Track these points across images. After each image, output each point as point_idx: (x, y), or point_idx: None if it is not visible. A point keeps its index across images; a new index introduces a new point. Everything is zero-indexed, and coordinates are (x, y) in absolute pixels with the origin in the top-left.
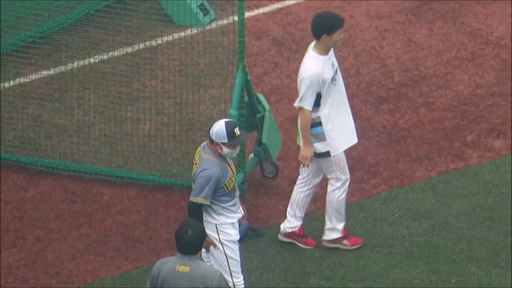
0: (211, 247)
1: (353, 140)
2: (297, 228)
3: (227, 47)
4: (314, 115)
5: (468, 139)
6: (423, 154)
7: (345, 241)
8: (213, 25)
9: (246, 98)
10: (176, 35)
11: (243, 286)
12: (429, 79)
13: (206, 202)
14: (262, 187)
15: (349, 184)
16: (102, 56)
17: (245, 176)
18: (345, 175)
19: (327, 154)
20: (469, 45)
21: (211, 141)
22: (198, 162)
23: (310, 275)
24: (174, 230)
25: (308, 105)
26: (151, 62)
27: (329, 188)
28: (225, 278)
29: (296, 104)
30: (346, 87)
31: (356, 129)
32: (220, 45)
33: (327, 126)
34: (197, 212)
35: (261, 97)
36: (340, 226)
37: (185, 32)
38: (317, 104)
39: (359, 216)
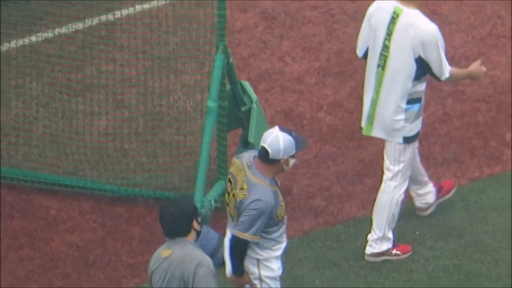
0: (247, 286)
1: None
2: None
3: (204, 22)
4: (414, 89)
5: (507, 137)
6: (450, 156)
7: (395, 251)
8: None
9: (228, 87)
10: (139, 7)
11: None
12: (457, 61)
13: (255, 239)
14: None
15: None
16: (46, 34)
17: None
18: (410, 170)
19: (414, 138)
20: (508, 19)
21: (271, 161)
22: (245, 187)
23: None
24: (138, 251)
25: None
26: (108, 41)
27: (388, 185)
28: (208, 267)
29: (443, 78)
30: (353, 72)
31: None
32: (195, 20)
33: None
34: (242, 249)
35: (247, 85)
36: (391, 234)
37: (150, 4)
38: (423, 73)
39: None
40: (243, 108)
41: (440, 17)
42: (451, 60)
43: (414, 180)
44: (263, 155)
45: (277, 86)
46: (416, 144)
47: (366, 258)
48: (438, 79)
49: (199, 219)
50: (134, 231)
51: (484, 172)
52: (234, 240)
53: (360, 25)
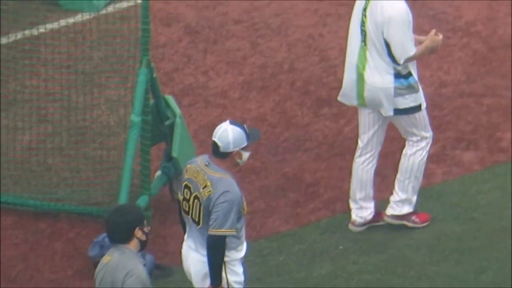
0: None
1: None
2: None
3: (128, 37)
4: (399, 66)
5: (431, 151)
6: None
7: (414, 217)
8: (110, 9)
9: (151, 101)
10: (63, 22)
11: None
12: None
13: (233, 232)
14: (171, 213)
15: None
16: None
17: (151, 200)
18: (430, 132)
19: (417, 108)
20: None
21: (223, 155)
22: (209, 184)
23: None
24: (61, 267)
25: (413, 48)
26: (32, 56)
27: (410, 149)
28: (138, 279)
29: (402, 61)
30: (277, 86)
31: (293, 138)
32: (119, 34)
33: (415, 75)
34: (220, 247)
35: (171, 99)
36: (415, 198)
37: (74, 18)
38: None
39: (294, 249)
40: (167, 123)
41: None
42: None
43: (370, 187)
44: (215, 149)
45: (201, 100)
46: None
47: (385, 219)
48: (397, 62)
49: (145, 229)
50: (56, 247)
51: None
52: (212, 241)
53: (283, 40)
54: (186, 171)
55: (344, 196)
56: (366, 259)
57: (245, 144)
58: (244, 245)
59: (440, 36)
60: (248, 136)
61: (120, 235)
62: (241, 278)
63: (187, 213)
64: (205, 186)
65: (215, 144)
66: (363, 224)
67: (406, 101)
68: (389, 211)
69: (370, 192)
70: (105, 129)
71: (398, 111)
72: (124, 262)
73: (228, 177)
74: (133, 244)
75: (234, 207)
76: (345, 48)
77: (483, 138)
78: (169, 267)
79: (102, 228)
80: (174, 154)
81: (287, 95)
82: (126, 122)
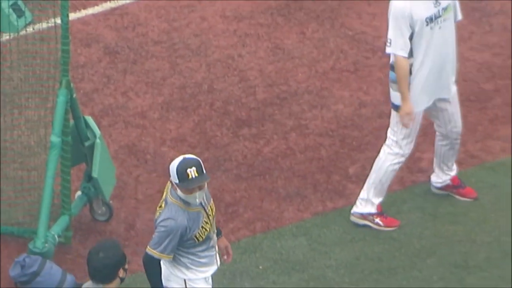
0: None
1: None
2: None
3: (47, 57)
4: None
5: (350, 171)
6: (293, 191)
7: (378, 220)
8: (30, 29)
9: (71, 122)
10: None
11: None
12: (300, 96)
13: (165, 258)
14: (92, 233)
15: (405, 161)
16: None
17: (71, 220)
18: (409, 145)
19: (398, 108)
20: (351, 53)
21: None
22: (163, 205)
23: None
24: None
25: (400, 49)
26: None
27: (383, 151)
28: None
29: (386, 51)
30: (197, 106)
31: (213, 158)
32: (39, 55)
33: (415, 78)
34: (153, 266)
35: (91, 120)
36: (377, 201)
37: None
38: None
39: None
40: (87, 143)
41: (283, 51)
42: (294, 95)
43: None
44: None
45: (121, 121)
46: (417, 119)
47: (351, 218)
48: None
49: (126, 266)
50: None
51: (328, 206)
52: (145, 256)
53: (202, 60)
54: (166, 185)
55: (263, 216)
56: (286, 279)
57: (176, 181)
58: (213, 267)
59: (411, 119)
60: (180, 177)
61: (104, 275)
62: None
63: None
64: (160, 206)
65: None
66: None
67: (395, 96)
68: (353, 208)
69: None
70: (26, 149)
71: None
72: None
73: (180, 205)
74: (115, 283)
75: (171, 235)
76: (265, 69)
77: None
78: None
79: (24, 248)
80: (94, 174)
81: (207, 115)
82: (46, 142)
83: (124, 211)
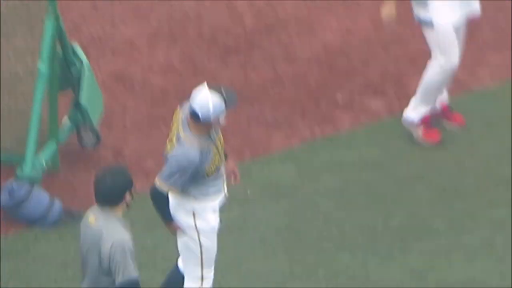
0: (179, 232)
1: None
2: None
3: None
4: None
5: (338, 98)
6: (282, 118)
7: (420, 130)
8: None
9: (59, 50)
10: None
11: (211, 280)
12: (288, 24)
13: (174, 191)
14: (79, 160)
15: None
16: None
17: (59, 146)
18: (454, 53)
19: (429, 24)
20: None
21: (201, 122)
22: (174, 140)
23: (142, 266)
24: None
25: None
26: None
27: (432, 61)
28: (123, 249)
29: None
30: (184, 34)
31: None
32: None
33: None
34: (161, 198)
35: (78, 48)
36: (422, 109)
37: None
38: None
39: None
40: (74, 70)
41: None
42: (283, 23)
43: None
44: (193, 116)
45: (108, 49)
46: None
47: (402, 121)
48: None
49: (132, 190)
50: None
51: (315, 133)
52: (153, 187)
53: None
54: (176, 113)
55: (252, 143)
56: (274, 205)
57: (224, 112)
58: (218, 196)
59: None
60: (225, 101)
61: (111, 199)
62: (210, 225)
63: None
64: (170, 140)
65: (193, 111)
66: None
67: (426, 13)
68: (404, 112)
69: None
70: (13, 77)
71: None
72: (109, 232)
73: (194, 142)
74: (120, 208)
75: (181, 171)
76: None
77: (391, 85)
78: (78, 212)
79: (11, 175)
80: (82, 101)
81: (195, 43)
82: (34, 69)
83: (112, 138)
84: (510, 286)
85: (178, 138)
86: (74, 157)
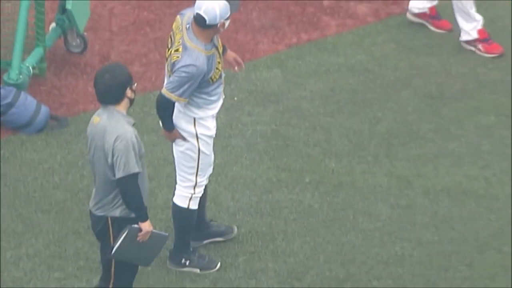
0: (178, 140)
1: None
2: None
3: None
4: None
5: (325, 3)
6: (268, 23)
7: (480, 45)
8: None
9: None
10: None
11: (203, 187)
12: None
13: (181, 101)
14: (66, 65)
15: None
16: None
17: (46, 52)
18: None
19: None
20: None
21: (207, 26)
22: (180, 49)
23: None
24: None
25: None
26: None
27: None
28: (127, 142)
29: None
30: None
31: None
32: None
33: None
34: (167, 107)
35: None
36: (469, 26)
37: None
38: None
39: None
40: None
41: None
42: None
43: None
44: (200, 21)
45: None
46: None
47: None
48: None
49: (133, 87)
50: None
51: (302, 38)
52: (160, 97)
53: None
54: (175, 21)
55: (238, 48)
56: (261, 110)
57: (229, 14)
58: (218, 103)
59: None
60: (231, 6)
61: (112, 96)
62: (211, 132)
63: (167, 60)
64: (176, 50)
65: (201, 17)
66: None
67: None
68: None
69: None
70: None
71: None
72: (113, 126)
73: (201, 49)
74: (123, 105)
75: (191, 81)
76: None
77: None
78: (65, 118)
79: None
80: (68, 6)
81: None
82: None
83: (99, 43)
84: (495, 192)
85: (185, 47)
86: (61, 62)
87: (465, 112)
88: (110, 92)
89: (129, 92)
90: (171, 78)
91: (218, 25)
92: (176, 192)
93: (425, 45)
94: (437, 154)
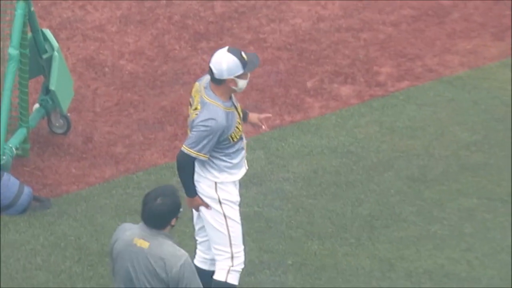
0: (202, 208)
1: None
2: None
3: None
4: None
5: (308, 85)
6: (251, 104)
7: None
8: None
9: (29, 34)
10: None
11: (242, 259)
12: (259, 10)
13: (202, 157)
14: (50, 146)
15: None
16: None
17: (29, 132)
18: None
19: None
20: None
21: (218, 81)
22: (199, 107)
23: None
24: None
25: None
26: None
27: None
28: (191, 265)
29: None
30: (155, 20)
31: (171, 71)
32: None
33: None
34: (187, 165)
35: (48, 33)
36: None
37: None
38: None
39: (172, 182)
40: (45, 56)
41: None
42: (252, 9)
43: None
44: (210, 74)
45: (79, 34)
46: None
47: None
48: None
49: (179, 215)
50: None
51: (285, 120)
52: (180, 154)
53: None
54: (193, 87)
55: None
56: (244, 192)
57: (240, 72)
58: (241, 169)
59: None
60: (244, 64)
61: (161, 224)
62: (233, 197)
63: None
64: (195, 108)
65: (210, 69)
66: None
67: None
68: None
69: None
70: None
71: None
72: (170, 252)
73: (219, 104)
74: (167, 229)
75: (211, 136)
76: None
77: (361, 72)
78: (47, 199)
79: None
80: (52, 87)
81: (165, 29)
82: (4, 55)
83: (82, 123)
84: (477, 275)
85: (203, 103)
86: (44, 142)
87: (448, 195)
88: (160, 218)
89: (173, 221)
90: (190, 134)
91: (227, 81)
92: (216, 266)
93: (407, 128)
94: (419, 236)
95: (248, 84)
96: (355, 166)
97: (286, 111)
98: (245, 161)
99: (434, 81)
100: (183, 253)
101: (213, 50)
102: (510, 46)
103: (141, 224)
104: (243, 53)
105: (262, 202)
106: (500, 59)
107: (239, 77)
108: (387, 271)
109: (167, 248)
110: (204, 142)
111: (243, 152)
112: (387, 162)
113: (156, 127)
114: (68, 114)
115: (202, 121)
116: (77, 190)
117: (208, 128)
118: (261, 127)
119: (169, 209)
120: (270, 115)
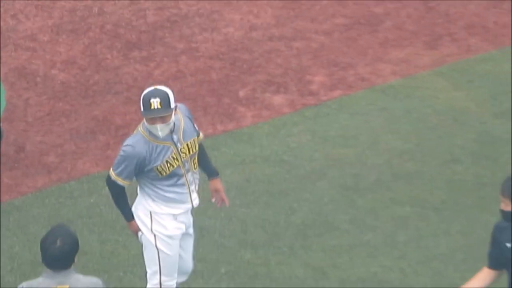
0: (139, 233)
1: None
2: None
3: None
4: None
5: (241, 94)
6: None
7: None
8: None
9: None
10: None
11: (172, 287)
12: (191, 19)
13: (120, 182)
14: None
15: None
16: None
17: None
18: None
19: None
20: None
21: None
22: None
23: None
24: None
25: None
26: None
27: None
28: (107, 286)
29: None
30: (87, 29)
31: (103, 81)
32: None
33: None
34: (111, 187)
35: None
36: None
37: None
38: None
39: (104, 191)
40: None
41: None
42: (185, 18)
43: None
44: None
45: (10, 43)
46: None
47: None
48: None
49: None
50: None
51: (218, 129)
52: (107, 178)
53: None
54: None
55: None
56: None
57: (141, 110)
58: (183, 205)
59: None
60: (143, 105)
61: (67, 263)
62: (167, 231)
63: None
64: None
65: None
66: None
67: None
68: None
69: None
70: None
71: None
72: (89, 281)
73: (144, 133)
74: (72, 266)
75: (127, 161)
76: None
77: (293, 81)
78: None
79: None
80: None
81: (97, 38)
82: None
83: (14, 133)
84: (410, 283)
85: (136, 130)
86: None
87: (381, 203)
88: (65, 259)
89: (75, 257)
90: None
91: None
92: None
93: (340, 136)
94: (352, 245)
95: (180, 93)
96: (288, 175)
97: (219, 120)
98: (193, 197)
99: (367, 90)
100: (97, 279)
101: (145, 60)
102: (442, 54)
103: (46, 272)
104: (155, 100)
105: (195, 211)
106: (433, 67)
107: (141, 113)
108: (320, 279)
109: (84, 281)
110: (122, 166)
111: (184, 188)
112: (320, 171)
113: (88, 137)
114: (0, 124)
115: (123, 145)
116: (10, 200)
117: (125, 154)
118: (212, 199)
119: (70, 248)
120: (227, 203)
